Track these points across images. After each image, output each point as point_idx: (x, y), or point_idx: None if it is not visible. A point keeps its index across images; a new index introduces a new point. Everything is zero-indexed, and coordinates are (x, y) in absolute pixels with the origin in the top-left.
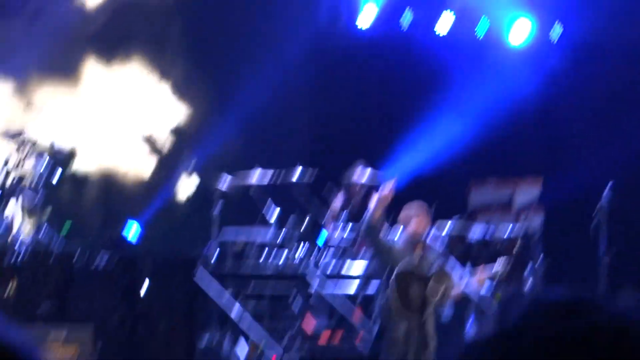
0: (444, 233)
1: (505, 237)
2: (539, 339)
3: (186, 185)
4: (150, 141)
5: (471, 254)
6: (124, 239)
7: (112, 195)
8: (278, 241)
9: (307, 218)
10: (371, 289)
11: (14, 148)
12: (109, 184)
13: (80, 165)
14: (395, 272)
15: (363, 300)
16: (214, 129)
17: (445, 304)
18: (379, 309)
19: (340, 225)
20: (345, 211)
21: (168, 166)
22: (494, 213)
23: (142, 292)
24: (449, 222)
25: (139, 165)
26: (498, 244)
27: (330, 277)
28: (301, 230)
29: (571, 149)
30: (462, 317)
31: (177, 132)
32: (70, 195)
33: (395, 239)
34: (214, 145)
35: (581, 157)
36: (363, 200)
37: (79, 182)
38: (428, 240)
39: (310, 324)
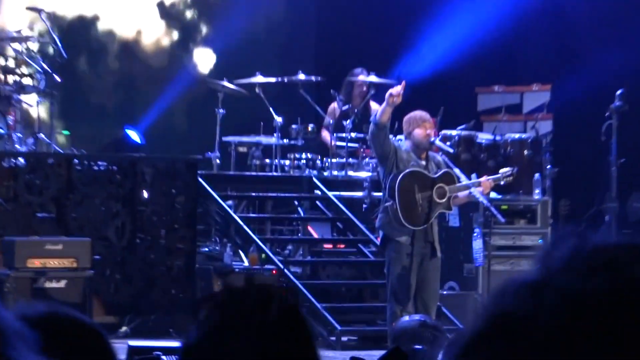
0: (450, 140)
1: (513, 141)
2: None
3: (190, 88)
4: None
5: (479, 160)
6: (127, 140)
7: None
8: (283, 143)
9: (312, 125)
10: (377, 195)
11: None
12: (116, 83)
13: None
14: (400, 176)
15: (370, 206)
16: (220, 33)
17: (451, 207)
18: (383, 214)
19: (346, 131)
20: (349, 120)
21: (172, 68)
22: (502, 118)
23: (144, 195)
24: (456, 130)
25: (145, 64)
26: (507, 148)
27: (334, 181)
28: (306, 134)
29: (581, 52)
30: (469, 226)
31: (185, 29)
32: (73, 96)
33: (402, 145)
34: (218, 51)
35: (591, 61)
36: (365, 105)
37: (83, 82)
38: (435, 145)
39: (315, 229)
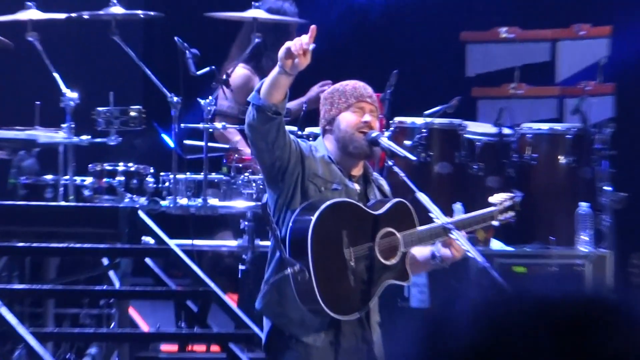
0: (411, 137)
1: (536, 137)
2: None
3: None
4: None
5: (467, 174)
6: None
7: None
8: (81, 142)
9: (138, 107)
10: (264, 245)
11: None
12: None
13: None
14: (314, 213)
15: (252, 267)
16: None
17: (408, 276)
18: (275, 289)
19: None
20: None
21: None
22: (515, 92)
23: None
24: (424, 117)
25: None
26: (523, 150)
27: (182, 220)
28: (126, 125)
29: None
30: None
31: None
32: None
33: (317, 148)
34: None
35: None
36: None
37: None
38: (381, 147)
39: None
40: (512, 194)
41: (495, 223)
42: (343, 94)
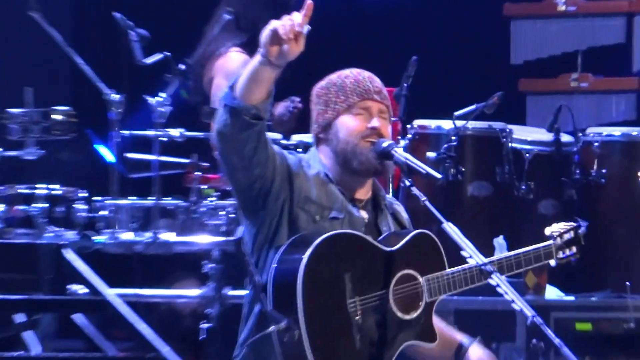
0: (437, 148)
1: (608, 144)
2: None
3: None
4: None
5: (511, 197)
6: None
7: None
8: None
9: (67, 109)
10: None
11: None
12: None
13: None
14: (307, 250)
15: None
16: None
17: (435, 337)
18: (254, 352)
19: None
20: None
21: None
22: (577, 84)
23: None
24: (454, 120)
25: None
26: (590, 164)
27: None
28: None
29: None
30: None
31: None
32: None
33: (310, 163)
34: None
35: None
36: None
37: None
38: (395, 160)
39: None
40: (574, 224)
41: (552, 263)
42: (342, 90)
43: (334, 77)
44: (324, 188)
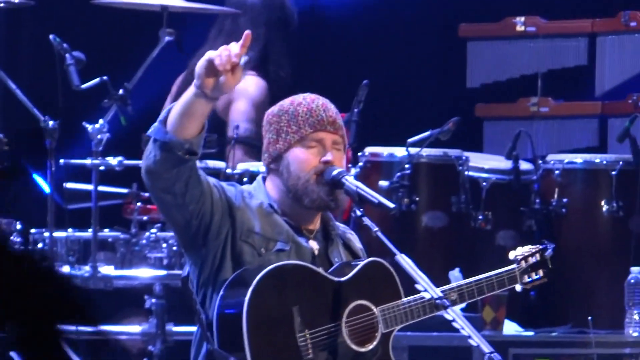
0: (390, 177)
1: (567, 172)
2: None
3: None
4: None
5: (469, 226)
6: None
7: None
8: None
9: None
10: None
11: None
12: None
13: None
14: (250, 290)
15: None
16: None
17: None
18: None
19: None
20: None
21: None
22: (537, 109)
23: None
24: (408, 147)
25: None
26: (548, 188)
27: None
28: None
29: None
30: None
31: None
32: None
33: (252, 194)
34: None
35: None
36: None
37: None
38: (346, 189)
39: None
40: (540, 246)
41: (517, 288)
42: (293, 119)
43: (286, 103)
44: (268, 219)
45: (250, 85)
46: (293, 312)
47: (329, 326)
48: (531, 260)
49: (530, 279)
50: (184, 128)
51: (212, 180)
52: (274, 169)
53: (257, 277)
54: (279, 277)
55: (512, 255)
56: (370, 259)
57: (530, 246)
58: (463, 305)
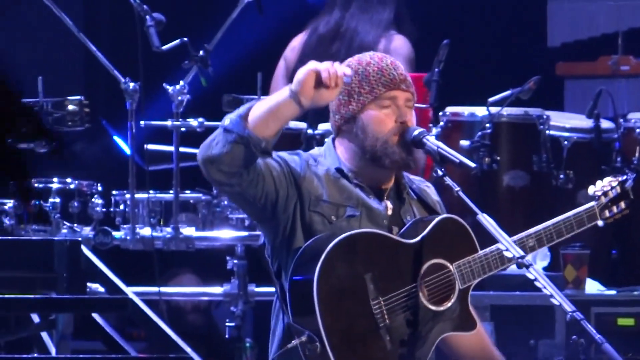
0: (470, 137)
1: None
2: None
3: None
4: None
5: (551, 185)
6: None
7: None
8: None
9: None
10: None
11: None
12: None
13: None
14: (320, 262)
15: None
16: None
17: (475, 323)
18: None
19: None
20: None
21: None
22: (620, 68)
23: None
24: (492, 103)
25: None
26: (631, 147)
27: None
28: None
29: None
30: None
31: None
32: None
33: (318, 159)
34: None
35: None
36: None
37: None
38: (427, 150)
39: None
40: (620, 178)
41: (600, 223)
42: (365, 79)
43: (353, 63)
44: (336, 185)
45: (402, 45)
46: (366, 280)
47: (404, 290)
48: (611, 194)
49: (611, 213)
50: (266, 127)
51: (271, 158)
52: (345, 131)
53: (327, 249)
54: (349, 246)
55: (591, 190)
56: (443, 216)
57: (610, 178)
58: (545, 263)
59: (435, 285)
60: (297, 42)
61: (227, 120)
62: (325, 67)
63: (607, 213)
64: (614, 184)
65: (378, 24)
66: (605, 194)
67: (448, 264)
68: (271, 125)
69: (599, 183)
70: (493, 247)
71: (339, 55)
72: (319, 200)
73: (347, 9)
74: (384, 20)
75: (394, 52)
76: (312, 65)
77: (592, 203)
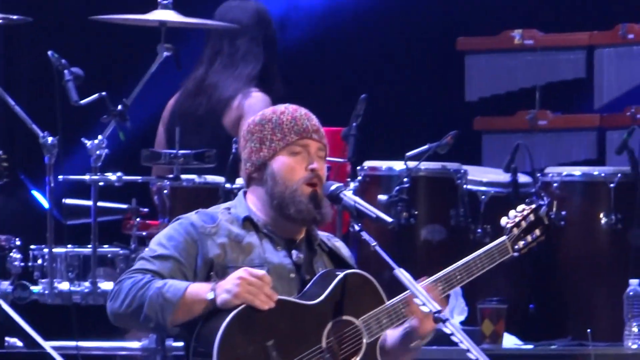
0: (387, 191)
1: (565, 184)
2: None
3: None
4: None
5: (468, 239)
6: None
7: None
8: None
9: None
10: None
11: None
12: None
13: None
14: (218, 337)
15: None
16: None
17: None
18: None
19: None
20: None
21: None
22: (536, 122)
23: None
24: (410, 157)
25: None
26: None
27: None
28: None
29: None
30: None
31: None
32: None
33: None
34: None
35: None
36: None
37: None
38: (343, 203)
39: None
40: (532, 206)
41: (513, 254)
42: (278, 127)
43: (268, 113)
44: (239, 247)
45: (259, 102)
46: (268, 348)
47: (310, 351)
48: (524, 224)
49: (525, 243)
50: (177, 321)
51: (167, 262)
52: (256, 179)
53: (223, 324)
54: (246, 316)
55: (503, 221)
56: (346, 271)
57: (523, 206)
58: (462, 318)
59: (342, 342)
60: (171, 101)
61: (148, 300)
62: (259, 302)
63: (521, 244)
64: (527, 212)
65: (239, 79)
66: (517, 224)
67: (354, 320)
68: (183, 319)
69: (511, 212)
70: (399, 296)
71: (199, 108)
72: (222, 267)
73: (212, 65)
74: (245, 76)
75: (249, 108)
76: (243, 295)
77: (503, 238)
